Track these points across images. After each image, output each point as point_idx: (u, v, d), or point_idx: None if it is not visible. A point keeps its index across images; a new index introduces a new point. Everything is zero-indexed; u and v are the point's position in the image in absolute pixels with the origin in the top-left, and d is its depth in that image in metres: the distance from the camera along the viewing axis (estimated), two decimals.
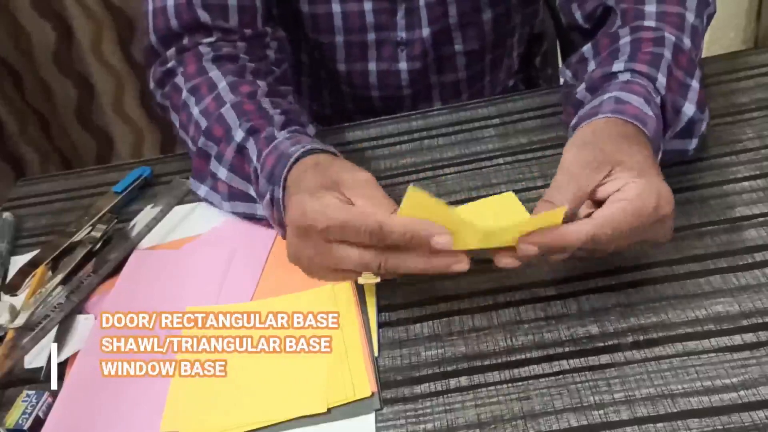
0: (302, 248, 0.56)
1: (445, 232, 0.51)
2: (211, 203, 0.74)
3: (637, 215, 0.51)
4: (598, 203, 0.54)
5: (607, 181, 0.54)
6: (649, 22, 0.66)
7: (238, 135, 0.68)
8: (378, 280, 0.56)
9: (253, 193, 0.69)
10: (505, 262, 0.53)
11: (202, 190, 0.74)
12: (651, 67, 0.62)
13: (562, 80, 0.73)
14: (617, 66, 0.63)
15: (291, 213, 0.56)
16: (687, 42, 0.65)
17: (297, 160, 0.61)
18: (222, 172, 0.70)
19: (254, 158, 0.67)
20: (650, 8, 0.67)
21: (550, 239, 0.51)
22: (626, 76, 0.62)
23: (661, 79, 0.61)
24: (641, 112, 0.58)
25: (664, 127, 0.61)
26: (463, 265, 0.52)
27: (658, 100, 0.61)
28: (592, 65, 0.67)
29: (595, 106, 0.60)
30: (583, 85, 0.65)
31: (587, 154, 0.54)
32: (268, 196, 0.63)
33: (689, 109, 0.63)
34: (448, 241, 0.51)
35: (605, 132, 0.57)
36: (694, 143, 0.65)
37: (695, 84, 0.64)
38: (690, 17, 0.67)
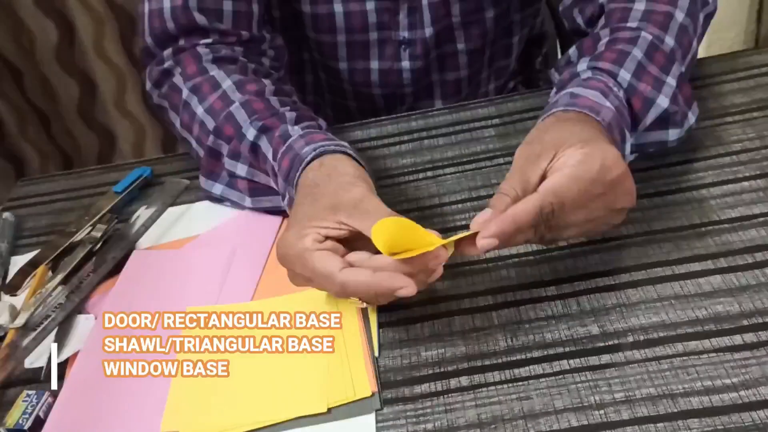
0: (286, 264, 0.60)
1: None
2: (229, 202, 0.74)
3: (580, 179, 0.52)
4: None
5: (552, 164, 0.55)
6: (631, 23, 0.67)
7: (250, 133, 0.69)
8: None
9: (274, 185, 0.69)
10: (469, 250, 0.54)
11: (217, 188, 0.74)
12: (614, 64, 0.64)
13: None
14: (581, 66, 0.65)
15: (278, 240, 0.59)
16: (669, 41, 0.66)
17: (308, 164, 0.63)
18: (241, 169, 0.71)
19: (270, 157, 0.67)
20: (639, 6, 0.68)
21: (503, 225, 0.51)
22: (587, 74, 0.64)
23: (624, 74, 0.63)
24: (595, 103, 0.59)
25: (634, 118, 0.63)
26: (409, 289, 0.53)
27: (621, 93, 0.62)
28: None
29: (551, 103, 0.62)
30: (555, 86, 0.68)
31: (530, 147, 0.57)
32: (288, 196, 0.65)
33: (663, 101, 0.64)
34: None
35: (548, 125, 0.59)
36: (673, 134, 0.65)
37: (671, 81, 0.64)
38: (679, 16, 0.67)
